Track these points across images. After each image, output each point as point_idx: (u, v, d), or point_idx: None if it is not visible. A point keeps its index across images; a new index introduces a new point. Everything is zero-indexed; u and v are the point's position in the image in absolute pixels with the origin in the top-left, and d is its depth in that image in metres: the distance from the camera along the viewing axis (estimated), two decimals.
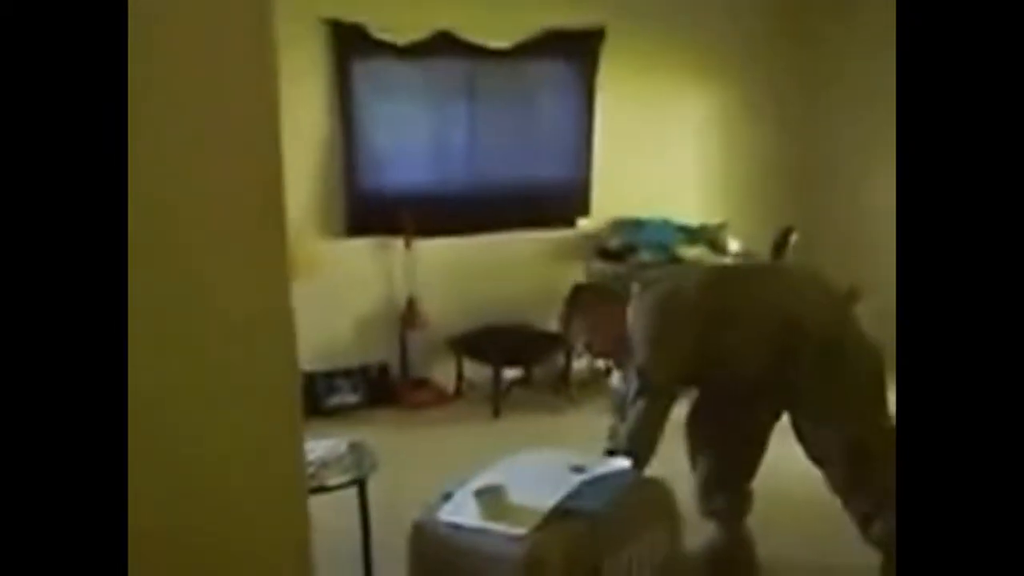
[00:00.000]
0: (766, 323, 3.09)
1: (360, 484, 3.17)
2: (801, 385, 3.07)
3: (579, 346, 3.78)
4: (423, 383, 5.92)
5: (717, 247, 6.34)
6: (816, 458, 3.17)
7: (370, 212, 5.78)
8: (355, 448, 3.27)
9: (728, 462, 3.46)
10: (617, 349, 3.34)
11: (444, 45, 5.79)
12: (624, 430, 3.14)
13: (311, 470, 2.97)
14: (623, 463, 2.95)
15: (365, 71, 5.69)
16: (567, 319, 3.45)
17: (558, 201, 6.31)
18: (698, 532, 3.40)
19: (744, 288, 3.30)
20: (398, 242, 5.80)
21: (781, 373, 3.06)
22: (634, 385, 3.13)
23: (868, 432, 3.02)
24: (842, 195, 6.71)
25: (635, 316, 3.19)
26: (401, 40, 5.66)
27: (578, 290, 3.56)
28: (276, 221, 1.56)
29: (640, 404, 3.08)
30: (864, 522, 3.05)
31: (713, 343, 3.07)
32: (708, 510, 3.51)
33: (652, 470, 3.04)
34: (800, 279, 3.44)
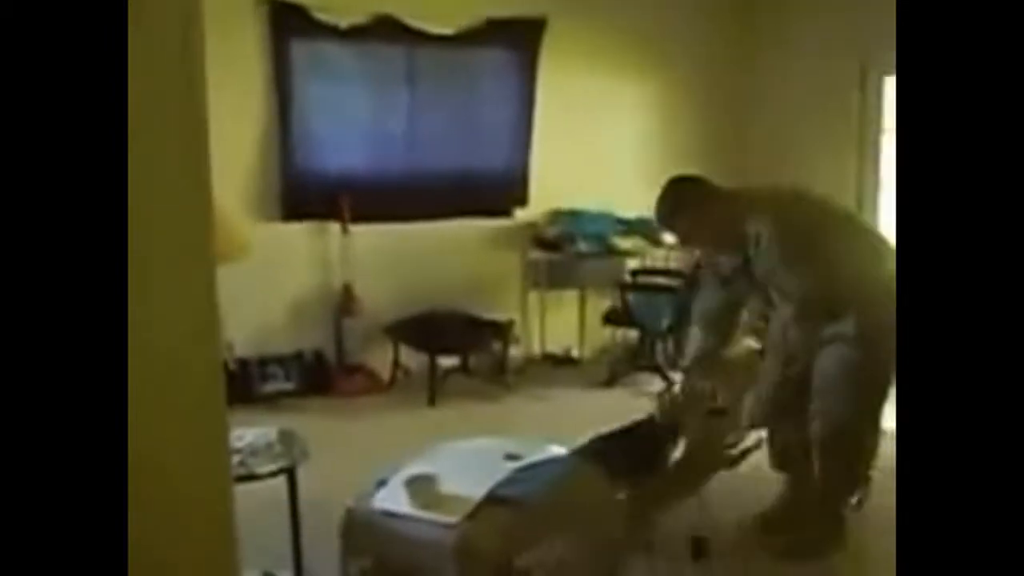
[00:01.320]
0: None
1: (290, 472, 3.13)
2: None
3: None
4: (358, 370, 5.88)
5: (653, 239, 6.39)
6: None
7: (307, 196, 5.71)
8: (285, 436, 3.23)
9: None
10: None
11: (386, 29, 5.74)
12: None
13: (239, 458, 2.93)
14: (559, 449, 2.97)
15: (304, 53, 5.62)
16: None
17: (497, 190, 6.30)
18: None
19: None
20: (335, 227, 5.75)
21: None
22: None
23: None
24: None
25: None
26: (342, 22, 5.60)
27: None
28: (201, 203, 1.52)
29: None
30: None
31: None
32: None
33: None
34: None
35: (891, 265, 3.35)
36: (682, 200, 3.48)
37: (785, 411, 3.51)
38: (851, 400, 3.32)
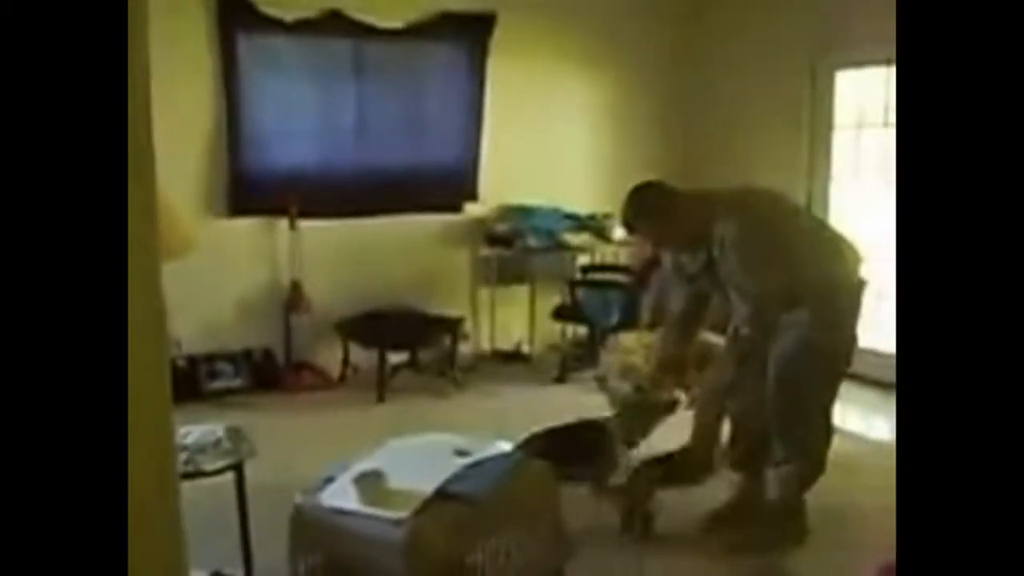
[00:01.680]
0: None
1: (238, 469, 3.11)
2: None
3: None
4: (307, 367, 5.85)
5: (602, 235, 6.44)
6: None
7: (254, 192, 5.66)
8: (233, 433, 3.21)
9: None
10: None
11: (334, 23, 5.70)
12: None
13: (186, 455, 2.91)
14: (508, 445, 2.98)
15: (251, 47, 5.56)
16: None
17: (446, 186, 6.29)
18: None
19: None
20: (283, 223, 5.71)
21: None
22: None
23: None
24: (733, 182, 6.81)
25: None
26: (289, 16, 5.56)
27: None
28: (144, 198, 1.50)
29: None
30: None
31: None
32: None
33: None
34: None
35: (845, 259, 3.51)
36: (647, 206, 3.58)
37: (741, 405, 3.65)
38: (807, 378, 3.43)
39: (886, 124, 6.02)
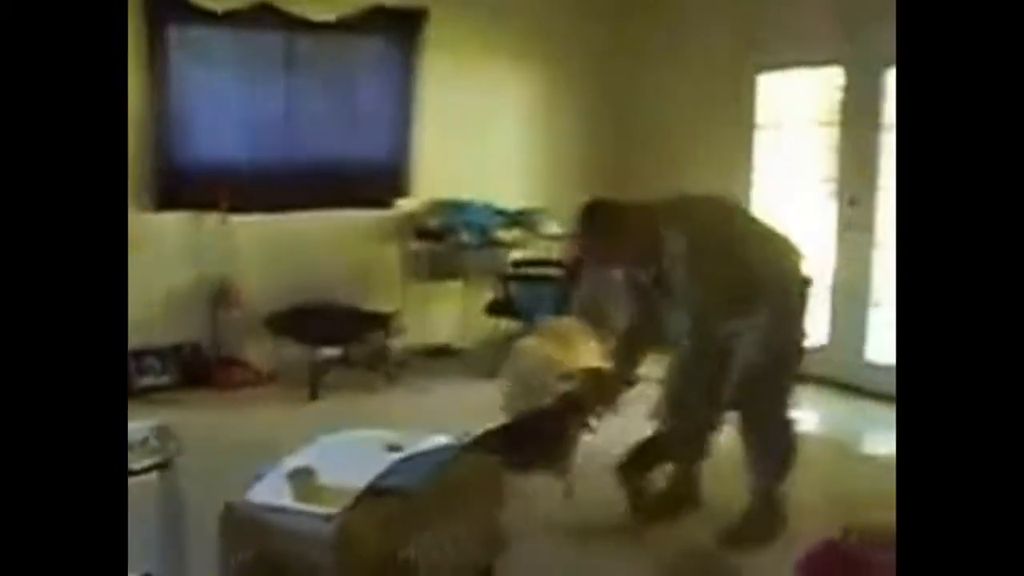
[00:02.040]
0: None
1: (165, 468, 3.06)
2: None
3: None
4: (238, 363, 5.78)
5: (534, 230, 6.47)
6: None
7: (182, 185, 5.58)
8: (161, 431, 3.16)
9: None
10: None
11: (264, 15, 5.65)
12: None
13: None
14: (441, 440, 2.99)
15: (181, 38, 5.48)
16: None
17: (378, 180, 6.27)
18: None
19: None
20: (212, 217, 5.63)
21: None
22: None
23: None
24: (666, 180, 6.86)
25: None
26: (219, 7, 5.48)
27: None
28: None
29: None
30: None
31: None
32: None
33: None
34: None
35: (792, 258, 3.60)
36: (597, 225, 3.57)
37: (687, 407, 3.75)
38: (775, 378, 3.55)
39: (808, 124, 6.17)
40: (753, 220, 3.66)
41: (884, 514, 3.24)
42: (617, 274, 3.87)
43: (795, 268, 3.60)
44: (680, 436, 3.82)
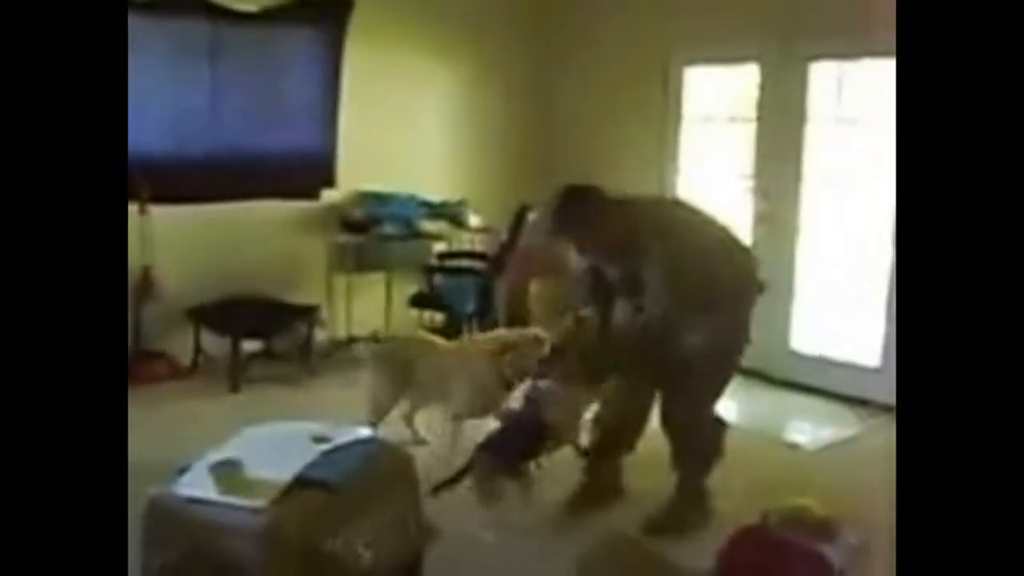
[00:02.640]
0: None
1: None
2: None
3: None
4: (157, 356, 5.67)
5: (458, 223, 6.47)
6: None
7: None
8: None
9: None
10: None
11: (188, 4, 5.54)
12: None
13: None
14: (366, 431, 2.98)
15: None
16: None
17: (302, 171, 6.20)
18: None
19: None
20: (132, 208, 5.50)
21: None
22: None
23: None
24: (591, 174, 6.88)
25: None
26: None
27: None
28: None
29: None
30: None
31: None
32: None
33: None
34: None
35: (751, 265, 3.70)
36: (580, 212, 3.49)
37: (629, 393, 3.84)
38: (716, 375, 3.68)
39: (731, 119, 6.28)
40: (720, 227, 3.72)
41: (802, 500, 3.35)
42: (572, 263, 3.88)
43: (753, 275, 3.70)
44: (620, 420, 3.89)
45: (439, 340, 4.64)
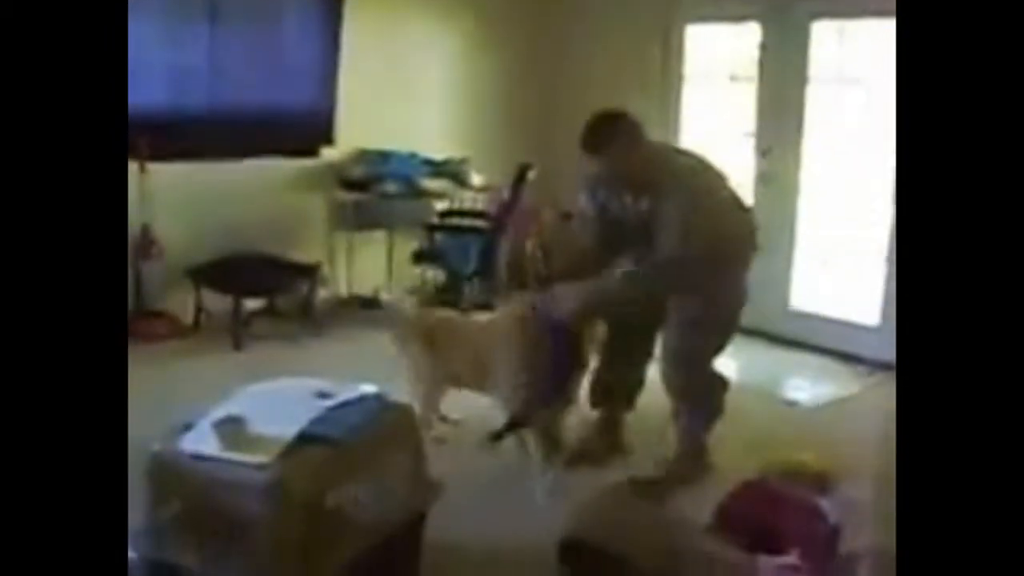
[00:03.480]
0: None
1: None
2: None
3: None
4: (159, 315, 5.69)
5: (460, 181, 6.46)
6: None
7: None
8: None
9: None
10: None
11: None
12: None
13: None
14: (370, 388, 2.99)
15: None
16: None
17: (302, 128, 6.18)
18: None
19: None
20: (131, 166, 5.49)
21: None
22: None
23: None
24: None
25: None
26: None
27: None
28: None
29: None
30: None
31: None
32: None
33: None
34: None
35: (752, 228, 3.73)
36: (612, 132, 3.52)
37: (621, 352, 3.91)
38: (720, 332, 3.70)
39: (732, 78, 6.25)
40: (728, 184, 3.73)
41: (801, 454, 3.38)
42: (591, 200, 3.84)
43: (754, 235, 3.73)
44: (619, 377, 3.95)
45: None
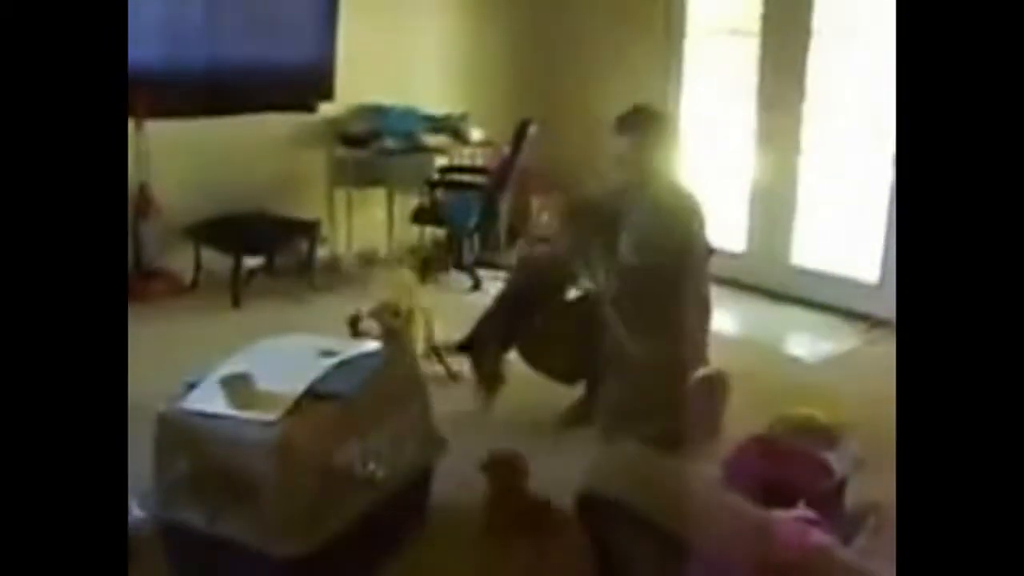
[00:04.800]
0: None
1: None
2: None
3: None
4: (157, 274, 5.65)
5: (460, 136, 6.41)
6: None
7: None
8: None
9: None
10: None
11: None
12: None
13: None
14: (373, 344, 2.99)
15: None
16: None
17: (300, 84, 6.10)
18: None
19: None
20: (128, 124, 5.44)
21: None
22: None
23: None
24: (593, 87, 6.75)
25: None
26: None
27: None
28: None
29: None
30: None
31: None
32: None
33: None
34: None
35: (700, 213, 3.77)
36: (644, 118, 3.77)
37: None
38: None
39: (734, 33, 6.18)
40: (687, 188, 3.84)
41: (807, 409, 3.39)
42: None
43: (703, 229, 3.76)
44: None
45: None
